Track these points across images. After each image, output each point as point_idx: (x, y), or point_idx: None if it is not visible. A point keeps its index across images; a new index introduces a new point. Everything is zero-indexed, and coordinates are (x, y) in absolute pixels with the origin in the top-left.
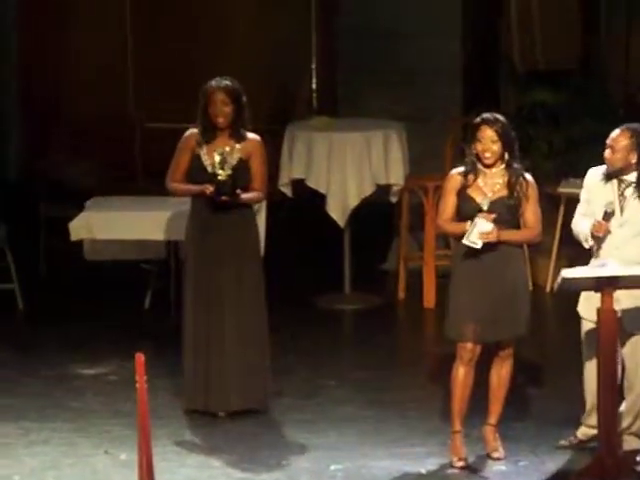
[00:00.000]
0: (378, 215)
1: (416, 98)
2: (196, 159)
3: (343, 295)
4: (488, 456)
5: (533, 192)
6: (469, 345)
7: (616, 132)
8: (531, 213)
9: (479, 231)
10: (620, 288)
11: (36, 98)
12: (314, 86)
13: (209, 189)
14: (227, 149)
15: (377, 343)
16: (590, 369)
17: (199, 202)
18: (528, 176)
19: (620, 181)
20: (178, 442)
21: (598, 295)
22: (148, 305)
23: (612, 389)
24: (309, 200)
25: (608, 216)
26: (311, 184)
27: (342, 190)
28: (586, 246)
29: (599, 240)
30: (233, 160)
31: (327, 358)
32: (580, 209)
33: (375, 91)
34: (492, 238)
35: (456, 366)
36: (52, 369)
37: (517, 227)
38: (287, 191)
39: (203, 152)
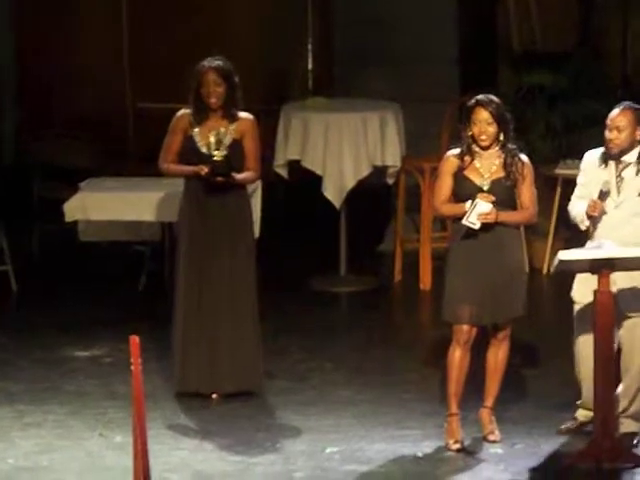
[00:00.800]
0: (374, 196)
1: (413, 79)
2: (189, 140)
3: (339, 277)
4: (484, 439)
5: (529, 173)
6: (465, 327)
7: (616, 112)
8: (527, 194)
9: (478, 212)
10: (617, 270)
11: (31, 80)
12: (310, 67)
13: (204, 170)
14: (222, 130)
15: (373, 325)
16: (582, 352)
17: (193, 183)
18: (523, 157)
19: (618, 162)
20: (173, 425)
21: (592, 278)
22: (142, 287)
23: (608, 371)
24: (305, 181)
25: (604, 195)
26: (307, 165)
27: (338, 171)
28: (582, 228)
29: (595, 221)
30: (227, 141)
31: (323, 340)
32: (577, 192)
33: (371, 72)
34: (491, 219)
35: (452, 348)
36: (46, 351)
37: (514, 208)
38: (283, 172)
39: (196, 133)
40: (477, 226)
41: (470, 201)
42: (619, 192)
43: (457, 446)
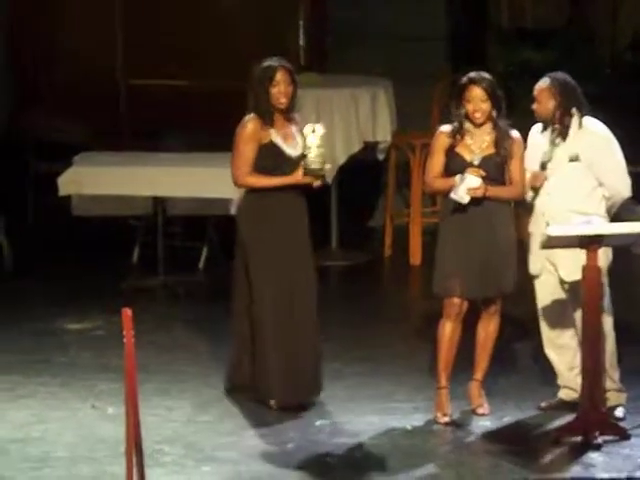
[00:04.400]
0: (365, 172)
1: (403, 56)
2: (268, 147)
3: (330, 251)
4: (473, 412)
5: (519, 149)
6: (455, 300)
7: (539, 83)
8: (516, 170)
9: (467, 186)
10: (604, 245)
11: (24, 54)
12: (301, 42)
13: (300, 176)
14: (311, 131)
15: (363, 299)
16: (547, 328)
17: (274, 192)
18: (514, 133)
19: (552, 130)
20: (165, 397)
21: (541, 251)
22: (135, 260)
23: (596, 345)
24: None
25: (544, 165)
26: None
27: (329, 147)
28: (528, 199)
29: (533, 191)
30: (315, 142)
31: None
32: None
33: (363, 48)
34: (479, 193)
35: (442, 322)
36: (39, 324)
37: (504, 184)
38: None
39: (275, 137)
40: (465, 200)
41: (460, 175)
42: (551, 159)
43: (446, 419)
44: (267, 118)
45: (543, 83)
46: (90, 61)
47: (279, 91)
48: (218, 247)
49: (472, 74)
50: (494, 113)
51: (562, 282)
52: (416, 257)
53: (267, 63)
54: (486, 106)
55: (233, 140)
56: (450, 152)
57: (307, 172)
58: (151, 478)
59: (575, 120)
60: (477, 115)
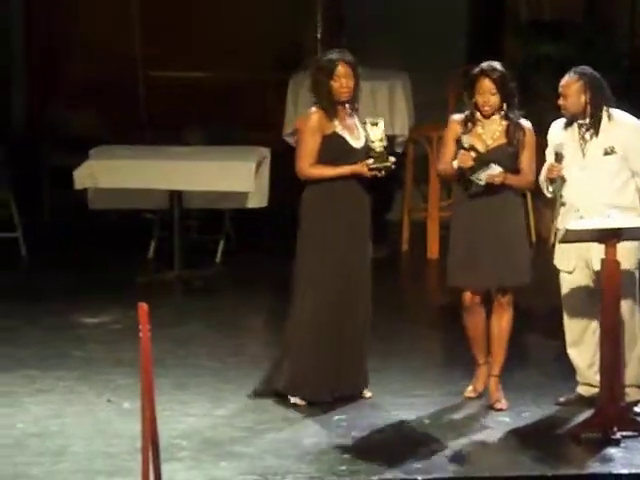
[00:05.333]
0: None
1: (421, 49)
2: (333, 138)
3: None
4: (491, 407)
5: (530, 139)
6: (468, 293)
7: (565, 78)
8: (526, 160)
9: (489, 173)
10: (623, 239)
11: (42, 47)
12: (319, 36)
13: (367, 166)
14: (374, 121)
15: (380, 293)
16: (571, 325)
17: (338, 183)
18: (525, 123)
19: (580, 125)
20: (182, 391)
21: (572, 246)
22: (152, 254)
23: (615, 340)
24: None
25: (559, 158)
26: None
27: None
28: (547, 194)
29: (565, 187)
30: (380, 133)
31: None
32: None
33: (380, 41)
34: (498, 181)
35: (463, 312)
36: (56, 318)
37: (516, 174)
38: (291, 141)
39: (340, 129)
40: (482, 183)
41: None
42: (584, 154)
43: (471, 394)
44: (330, 111)
45: (570, 78)
46: (107, 53)
47: (340, 85)
48: (235, 240)
49: (484, 65)
50: (504, 106)
51: (597, 274)
52: (434, 251)
53: (328, 56)
54: (495, 99)
55: (297, 132)
56: (460, 142)
57: (375, 163)
58: (167, 473)
59: (604, 113)
60: (486, 108)
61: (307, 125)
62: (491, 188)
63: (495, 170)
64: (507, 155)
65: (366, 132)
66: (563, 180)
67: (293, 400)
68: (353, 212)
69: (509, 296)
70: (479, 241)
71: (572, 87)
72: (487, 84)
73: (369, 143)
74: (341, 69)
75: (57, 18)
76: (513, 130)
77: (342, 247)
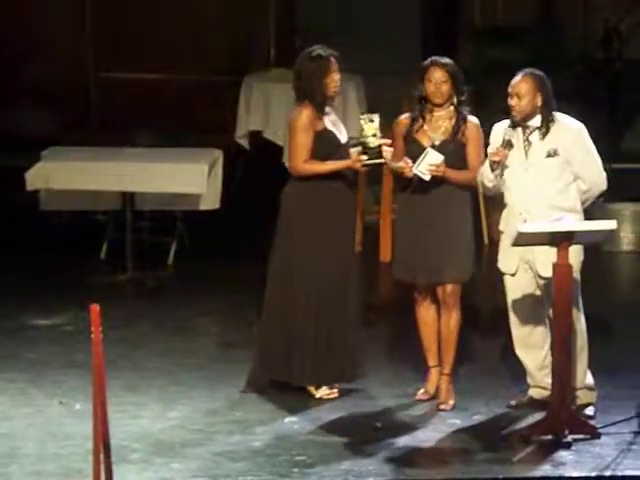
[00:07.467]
0: None
1: (374, 52)
2: (324, 134)
3: None
4: (437, 408)
5: (475, 135)
6: (417, 288)
7: (516, 79)
8: (472, 155)
9: (428, 162)
10: (575, 243)
11: None
12: (272, 37)
13: (359, 159)
14: (369, 117)
15: None
16: (518, 327)
17: (328, 179)
18: (472, 118)
19: (525, 127)
20: (133, 393)
21: (514, 248)
22: (104, 256)
23: (567, 344)
24: (266, 152)
25: (507, 144)
26: (268, 136)
27: None
28: (488, 184)
29: (507, 189)
30: (374, 128)
31: None
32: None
33: (333, 43)
34: (440, 172)
35: (415, 308)
36: (6, 319)
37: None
38: (244, 143)
39: (329, 125)
40: (427, 177)
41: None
42: (527, 156)
43: (422, 397)
44: (322, 106)
45: (523, 78)
46: (60, 55)
47: (332, 80)
48: (187, 242)
49: (434, 57)
50: (454, 98)
51: (539, 277)
52: (386, 254)
53: (317, 52)
54: (446, 87)
55: (289, 129)
56: (408, 138)
57: (369, 159)
58: (119, 475)
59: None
60: (437, 95)
61: (299, 122)
62: (433, 183)
63: (433, 157)
64: (452, 150)
65: (361, 127)
66: (504, 168)
67: (319, 395)
68: (339, 207)
69: (453, 295)
70: (420, 235)
71: (525, 87)
72: (438, 72)
73: (363, 138)
74: (332, 66)
75: (7, 18)
76: (459, 126)
77: (330, 241)
